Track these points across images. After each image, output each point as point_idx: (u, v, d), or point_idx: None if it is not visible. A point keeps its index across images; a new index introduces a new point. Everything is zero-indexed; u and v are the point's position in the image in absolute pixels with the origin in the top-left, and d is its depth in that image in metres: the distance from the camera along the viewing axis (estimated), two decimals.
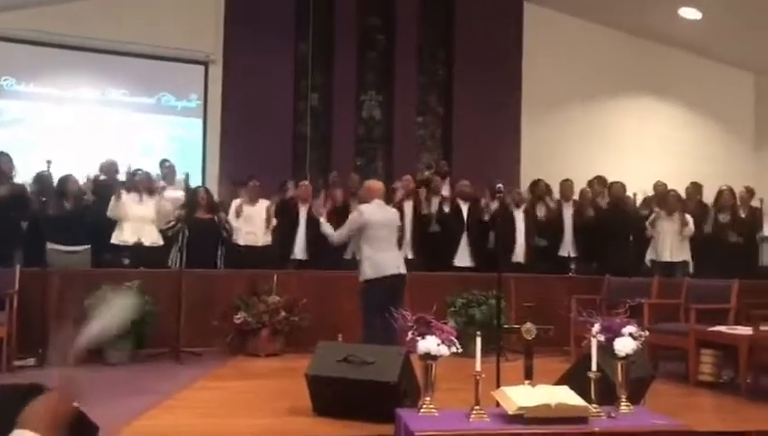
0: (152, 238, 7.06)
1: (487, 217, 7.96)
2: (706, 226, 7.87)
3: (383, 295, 5.23)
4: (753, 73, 11.21)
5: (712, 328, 5.43)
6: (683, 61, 10.98)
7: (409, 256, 7.58)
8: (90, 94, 9.61)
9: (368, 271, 5.35)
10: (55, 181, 7.09)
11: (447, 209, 8.09)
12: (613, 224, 8.02)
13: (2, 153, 6.89)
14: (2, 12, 8.87)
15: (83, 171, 7.74)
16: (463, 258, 7.94)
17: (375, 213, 5.46)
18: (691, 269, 7.66)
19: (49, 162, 6.80)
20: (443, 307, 6.38)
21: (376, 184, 5.71)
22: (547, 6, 10.77)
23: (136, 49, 9.54)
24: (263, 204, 7.44)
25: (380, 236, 5.39)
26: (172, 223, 6.93)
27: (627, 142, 10.85)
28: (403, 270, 5.46)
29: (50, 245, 6.68)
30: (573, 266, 8.11)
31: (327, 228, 5.76)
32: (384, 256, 5.36)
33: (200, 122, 10.03)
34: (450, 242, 7.95)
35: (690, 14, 9.89)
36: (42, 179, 7.22)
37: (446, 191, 8.63)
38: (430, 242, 7.99)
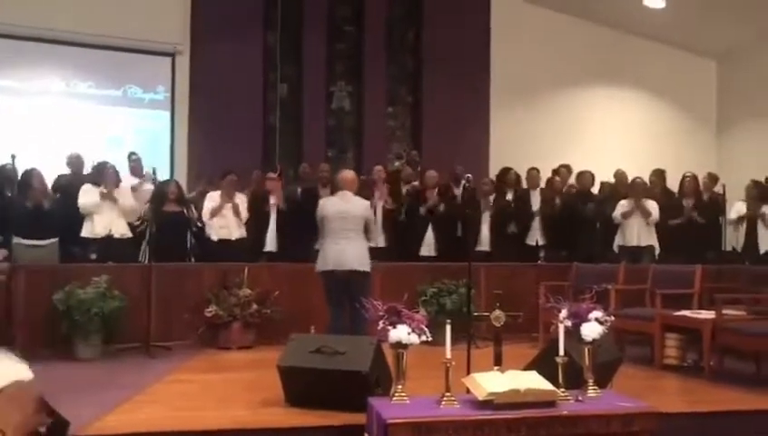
0: (121, 230, 6.98)
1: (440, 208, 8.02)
2: (677, 212, 7.98)
3: (336, 287, 5.33)
4: (714, 60, 11.42)
5: (676, 312, 5.55)
6: (647, 49, 11.13)
7: (381, 245, 7.61)
8: (55, 86, 9.44)
9: (318, 262, 5.45)
10: (20, 175, 6.95)
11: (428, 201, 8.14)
12: (580, 212, 8.14)
13: None
14: None
15: (49, 164, 7.62)
16: (428, 247, 8.02)
17: (333, 204, 5.48)
18: (657, 254, 7.80)
19: (13, 156, 6.67)
20: (414, 296, 6.44)
21: (345, 175, 5.68)
22: None
23: (102, 41, 9.39)
24: (237, 198, 7.39)
25: (335, 228, 5.36)
26: (140, 219, 6.87)
27: (593, 129, 11.01)
28: (356, 266, 5.32)
29: (15, 240, 6.57)
30: (542, 254, 8.22)
31: None
32: (334, 248, 5.34)
33: (167, 114, 9.92)
34: (418, 232, 8.02)
35: (654, 2, 10.03)
36: (5, 172, 7.08)
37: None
38: (400, 232, 8.05)
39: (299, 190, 8.14)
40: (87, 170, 7.66)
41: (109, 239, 6.88)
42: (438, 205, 8.10)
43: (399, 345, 3.26)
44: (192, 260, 7.19)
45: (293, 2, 10.51)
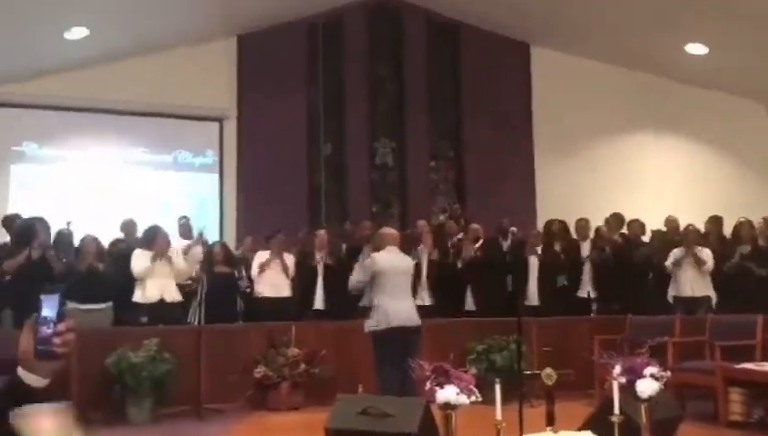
0: (172, 294, 7.08)
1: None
2: (732, 260, 7.74)
3: (394, 346, 5.12)
4: (762, 103, 11.19)
5: (739, 365, 5.32)
6: (692, 94, 10.99)
7: (426, 302, 7.55)
8: (109, 154, 9.81)
9: (377, 320, 5.23)
10: (77, 241, 7.18)
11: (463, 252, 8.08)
12: (631, 262, 7.95)
13: (39, 218, 6.95)
14: (24, 81, 9.14)
15: (105, 230, 7.86)
16: (476, 302, 7.92)
17: (387, 260, 5.36)
18: (714, 304, 7.53)
19: (69, 222, 6.91)
20: (462, 354, 6.34)
21: (388, 231, 5.66)
22: (553, 48, 10.89)
23: (153, 108, 9.77)
24: (285, 257, 7.48)
25: (392, 284, 5.24)
26: (190, 282, 6.98)
27: (641, 177, 10.82)
28: (416, 321, 5.27)
29: (71, 304, 6.73)
30: (594, 307, 8.02)
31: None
32: (395, 306, 5.19)
33: (216, 177, 10.19)
34: (462, 287, 7.94)
35: (696, 49, 9.95)
36: (62, 238, 7.32)
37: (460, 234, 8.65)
38: (446, 288, 7.97)
39: (344, 247, 8.18)
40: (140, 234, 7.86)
41: (161, 303, 6.99)
42: (475, 256, 8.00)
43: (448, 406, 3.19)
44: (241, 321, 7.24)
45: (335, 61, 10.78)
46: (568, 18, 10.00)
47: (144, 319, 7.02)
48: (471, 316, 7.66)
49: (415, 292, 6.31)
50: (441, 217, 10.71)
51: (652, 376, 3.39)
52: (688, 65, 10.39)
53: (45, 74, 9.25)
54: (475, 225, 8.43)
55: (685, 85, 10.93)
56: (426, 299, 7.64)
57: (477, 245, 8.17)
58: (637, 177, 10.81)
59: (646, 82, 10.94)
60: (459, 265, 8.05)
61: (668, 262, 7.63)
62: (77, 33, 8.68)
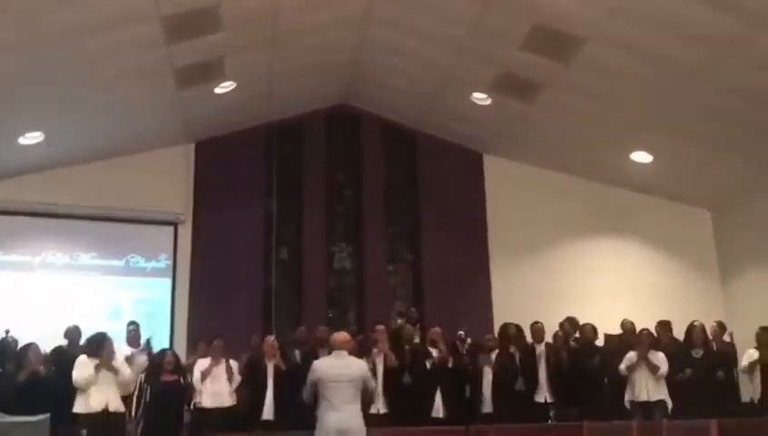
0: (115, 405, 6.74)
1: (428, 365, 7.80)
2: (686, 364, 7.75)
3: None
4: (708, 210, 11.56)
5: None
6: (641, 202, 11.33)
7: (382, 410, 7.34)
8: (58, 259, 9.61)
9: (318, 432, 5.03)
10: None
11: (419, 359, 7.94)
12: (586, 366, 7.91)
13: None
14: None
15: (49, 338, 7.57)
16: (438, 410, 7.72)
17: (329, 366, 5.21)
18: (669, 409, 7.47)
19: (7, 331, 6.64)
20: None
21: (338, 336, 5.51)
22: (505, 157, 11.24)
23: (105, 212, 9.68)
24: (230, 363, 7.26)
25: (333, 392, 5.05)
26: (135, 392, 6.70)
27: (595, 282, 10.93)
28: (356, 433, 5.03)
29: (3, 418, 6.34)
30: (551, 412, 7.89)
31: None
32: (334, 416, 4.99)
33: (169, 281, 10.00)
34: (422, 394, 7.75)
35: (641, 157, 10.36)
36: (3, 348, 7.02)
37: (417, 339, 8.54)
38: (403, 395, 7.77)
39: (297, 353, 7.98)
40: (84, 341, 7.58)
41: (103, 414, 6.63)
42: (447, 358, 7.88)
43: None
44: (186, 433, 6.92)
45: (292, 167, 10.90)
46: (518, 130, 10.40)
47: (84, 432, 6.64)
48: (437, 424, 7.42)
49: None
50: (399, 321, 10.60)
51: None
52: (635, 172, 10.77)
53: None
54: (436, 329, 8.33)
55: (632, 192, 11.29)
56: (381, 407, 7.42)
57: (441, 349, 8.04)
58: (591, 281, 10.93)
59: (595, 189, 11.28)
60: (428, 366, 7.87)
61: (622, 367, 7.61)
62: (32, 137, 8.67)
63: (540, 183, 11.19)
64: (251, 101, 9.84)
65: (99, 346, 6.89)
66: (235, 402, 7.16)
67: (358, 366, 5.34)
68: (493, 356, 8.02)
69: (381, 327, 8.46)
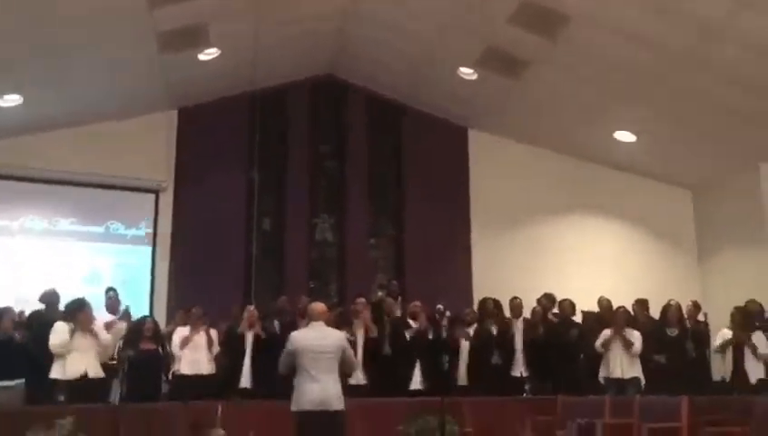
0: (95, 370, 6.73)
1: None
2: (661, 342, 7.87)
3: (310, 430, 4.89)
4: (689, 190, 11.66)
5: None
6: (623, 180, 11.38)
7: (361, 381, 7.40)
8: (37, 224, 9.51)
9: (294, 401, 5.01)
10: None
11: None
12: (563, 342, 8.02)
13: None
14: None
15: (28, 303, 7.53)
16: (417, 382, 7.81)
17: (307, 338, 5.18)
18: (643, 385, 7.60)
19: None
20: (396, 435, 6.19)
21: (315, 307, 5.47)
22: (490, 132, 11.23)
23: (86, 178, 9.58)
24: (210, 332, 7.28)
25: (310, 363, 5.00)
26: (114, 358, 6.69)
27: (575, 258, 11.01)
28: (333, 404, 4.98)
29: None
30: (527, 386, 8.00)
31: None
32: (310, 386, 4.95)
33: (149, 249, 9.94)
34: (402, 366, 7.82)
35: (624, 136, 10.40)
36: None
37: (398, 312, 8.60)
38: (383, 366, 7.84)
39: (276, 323, 7.99)
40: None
41: (82, 379, 6.62)
42: (427, 330, 7.94)
43: None
44: (165, 400, 6.94)
45: (276, 137, 10.83)
46: (504, 105, 10.38)
47: (62, 397, 6.63)
48: (416, 395, 7.50)
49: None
50: (380, 293, 10.65)
51: None
52: (618, 151, 10.82)
53: None
54: (416, 303, 8.38)
55: (615, 171, 11.35)
56: (360, 378, 7.48)
57: (421, 321, 8.10)
58: (571, 258, 11.01)
59: (578, 166, 11.30)
60: (408, 338, 7.91)
61: (598, 343, 7.72)
62: (10, 100, 8.52)
63: (523, 160, 11.21)
64: (236, 69, 9.71)
65: (77, 311, 6.89)
66: (214, 371, 7.18)
67: (336, 337, 5.34)
68: (471, 330, 8.10)
69: (362, 299, 8.51)
